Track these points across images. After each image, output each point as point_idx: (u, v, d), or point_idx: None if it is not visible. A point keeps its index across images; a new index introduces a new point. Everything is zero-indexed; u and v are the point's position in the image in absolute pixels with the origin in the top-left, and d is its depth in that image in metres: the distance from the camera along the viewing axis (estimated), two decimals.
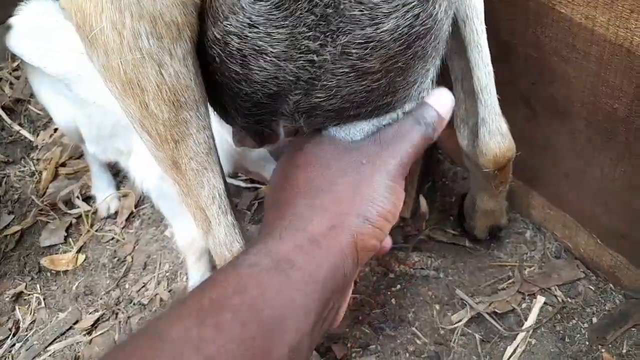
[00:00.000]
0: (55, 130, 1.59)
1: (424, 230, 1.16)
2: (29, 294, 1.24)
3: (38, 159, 1.54)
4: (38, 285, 1.25)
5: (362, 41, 0.48)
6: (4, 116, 1.64)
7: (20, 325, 1.19)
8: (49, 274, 1.27)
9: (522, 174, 1.02)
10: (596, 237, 0.95)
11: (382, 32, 0.48)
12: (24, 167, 1.52)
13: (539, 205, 1.05)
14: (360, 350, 1.02)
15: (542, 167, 0.95)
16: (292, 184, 0.53)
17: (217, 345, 0.36)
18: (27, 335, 1.17)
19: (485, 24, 0.78)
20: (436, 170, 1.26)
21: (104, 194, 1.35)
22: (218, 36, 0.49)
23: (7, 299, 1.23)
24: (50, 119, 1.62)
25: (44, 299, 1.22)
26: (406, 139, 0.54)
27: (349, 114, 0.54)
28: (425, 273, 1.10)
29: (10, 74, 1.74)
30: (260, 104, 0.54)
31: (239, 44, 0.49)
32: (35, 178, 1.48)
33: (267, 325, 0.40)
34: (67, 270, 1.27)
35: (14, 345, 1.16)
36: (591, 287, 1.01)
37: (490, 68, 0.68)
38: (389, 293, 1.09)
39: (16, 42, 1.10)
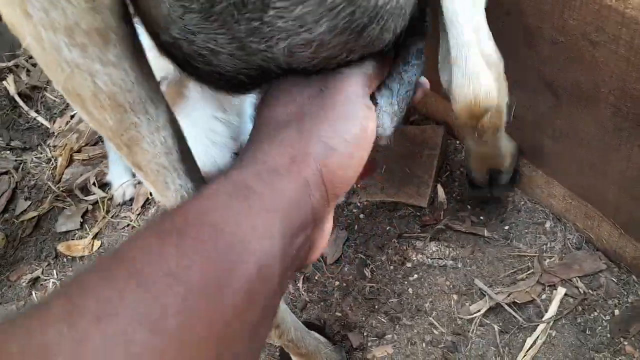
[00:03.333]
0: (72, 117, 1.60)
1: (441, 219, 1.15)
2: (46, 279, 1.25)
3: (54, 146, 1.54)
4: (54, 271, 1.26)
5: (303, 43, 0.47)
6: (21, 103, 1.64)
7: None
8: (65, 259, 1.28)
9: (543, 163, 1.00)
10: (620, 228, 0.93)
11: (319, 34, 0.47)
12: (41, 153, 1.53)
13: (559, 195, 1.03)
14: (376, 340, 1.01)
15: (565, 156, 0.93)
16: (259, 123, 0.52)
17: (178, 260, 0.35)
18: None
19: (510, 5, 0.76)
20: (454, 160, 1.24)
21: (120, 181, 1.35)
22: (170, 40, 0.49)
23: (24, 284, 1.24)
24: (66, 106, 1.63)
25: (60, 285, 1.23)
26: (370, 59, 0.52)
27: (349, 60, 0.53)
28: (443, 263, 1.09)
29: (26, 61, 1.75)
30: (243, 82, 0.53)
31: (190, 47, 0.49)
32: (52, 164, 1.49)
33: (229, 242, 0.38)
34: (83, 256, 1.27)
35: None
36: (613, 278, 0.99)
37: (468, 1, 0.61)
38: (405, 282, 1.07)
39: None
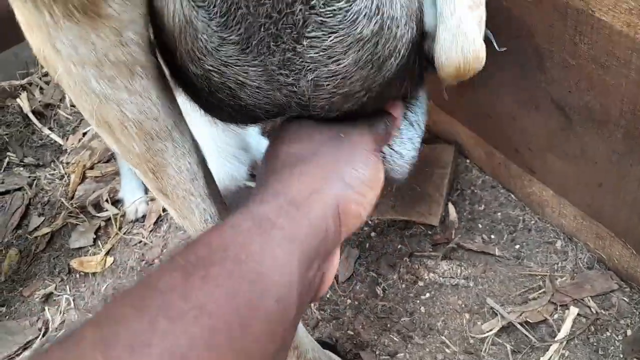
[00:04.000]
0: (84, 134, 1.62)
1: (453, 238, 1.15)
2: (59, 295, 1.26)
3: (67, 163, 1.56)
4: (67, 287, 1.27)
5: (329, 75, 0.51)
6: (34, 120, 1.67)
7: (50, 326, 1.20)
8: (78, 275, 1.29)
9: (554, 182, 1.01)
10: (631, 248, 0.94)
11: (345, 66, 0.50)
12: (54, 170, 1.55)
13: (570, 215, 1.03)
14: (388, 358, 1.01)
15: (576, 177, 0.93)
16: (276, 157, 0.55)
17: (204, 293, 0.37)
18: (56, 335, 1.19)
19: (522, 29, 0.77)
20: (464, 179, 1.25)
21: (133, 197, 1.37)
22: (199, 72, 0.51)
23: (37, 299, 1.25)
24: (79, 123, 1.65)
25: (73, 300, 1.24)
26: (380, 121, 0.60)
27: (355, 114, 0.58)
28: (454, 282, 1.09)
29: (40, 79, 1.78)
30: (258, 117, 0.56)
31: (220, 79, 0.51)
32: (65, 181, 1.51)
33: (251, 276, 0.40)
34: (95, 272, 1.28)
35: (43, 345, 1.17)
36: (625, 298, 0.99)
37: None
38: (417, 301, 1.08)
39: None
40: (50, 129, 1.66)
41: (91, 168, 1.52)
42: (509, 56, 0.74)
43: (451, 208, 1.20)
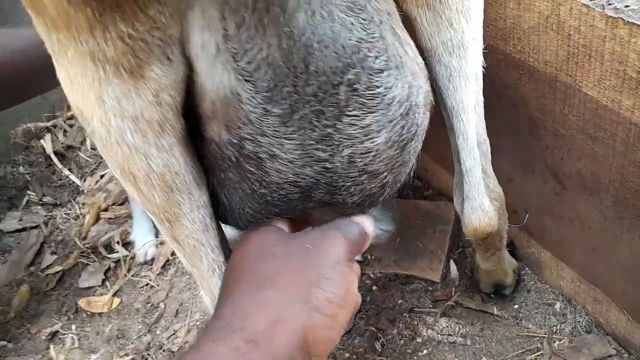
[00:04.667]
0: (102, 176, 1.68)
1: (453, 296, 1.16)
2: (64, 334, 1.28)
3: (83, 203, 1.61)
4: (73, 326, 1.29)
5: (363, 152, 0.55)
6: (56, 161, 1.74)
7: None
8: (84, 315, 1.32)
9: (551, 245, 1.03)
10: (627, 314, 0.94)
11: (377, 144, 0.55)
12: (70, 210, 1.60)
13: (568, 277, 1.05)
14: None
15: (571, 240, 0.95)
16: (238, 275, 0.51)
17: None
18: None
19: (515, 98, 0.82)
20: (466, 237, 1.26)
21: (143, 240, 1.41)
22: (234, 140, 0.54)
23: (43, 337, 1.28)
24: (97, 166, 1.72)
25: (78, 340, 1.26)
26: (352, 228, 0.55)
27: (368, 205, 0.61)
28: (452, 339, 1.10)
29: (64, 122, 1.86)
30: (274, 204, 0.58)
31: (253, 147, 0.54)
32: (79, 221, 1.55)
33: None
34: (102, 313, 1.31)
35: None
36: None
37: (475, 153, 0.73)
38: (415, 358, 1.08)
39: None
40: (69, 170, 1.73)
41: (105, 210, 1.57)
42: (506, 123, 0.79)
43: (452, 265, 1.22)
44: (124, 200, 1.57)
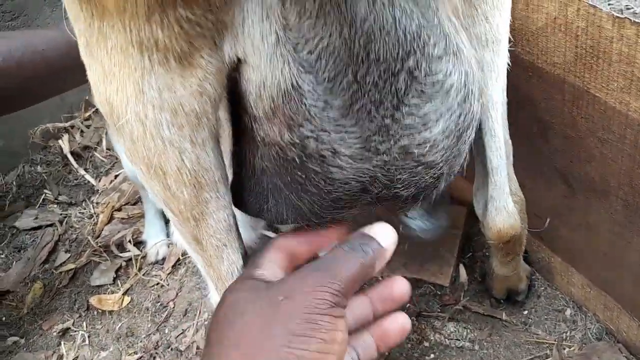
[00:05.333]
0: (116, 176, 1.70)
1: (461, 300, 1.15)
2: (75, 331, 1.30)
3: (97, 203, 1.63)
4: (84, 323, 1.31)
5: (420, 142, 0.54)
6: (72, 161, 1.76)
7: None
8: (95, 312, 1.33)
9: (561, 250, 1.02)
10: (639, 321, 0.93)
11: (435, 134, 0.54)
12: (84, 209, 1.62)
13: (578, 283, 1.03)
14: None
15: (581, 245, 0.94)
16: (217, 332, 0.49)
17: None
18: None
19: (524, 100, 0.81)
20: (477, 242, 1.26)
21: (155, 240, 1.42)
22: (297, 140, 0.52)
23: (55, 334, 1.29)
24: (112, 166, 1.74)
25: (88, 337, 1.28)
26: (340, 266, 0.49)
27: (422, 198, 0.60)
28: (460, 344, 1.09)
29: (82, 122, 1.89)
30: (339, 199, 0.57)
31: (317, 146, 0.52)
32: (93, 220, 1.57)
33: None
34: (112, 311, 1.32)
35: None
36: None
37: (502, 152, 0.72)
38: None
39: None
40: (85, 169, 1.75)
41: (119, 209, 1.59)
42: (514, 125, 0.78)
43: (462, 269, 1.21)
44: (137, 200, 1.59)
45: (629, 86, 0.65)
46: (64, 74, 0.96)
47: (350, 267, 0.49)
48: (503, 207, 0.78)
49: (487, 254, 1.23)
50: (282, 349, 0.44)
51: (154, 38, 0.46)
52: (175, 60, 0.48)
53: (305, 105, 0.50)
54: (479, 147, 0.75)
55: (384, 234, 0.54)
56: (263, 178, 0.58)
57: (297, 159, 0.53)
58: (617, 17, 0.61)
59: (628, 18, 0.60)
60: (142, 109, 0.49)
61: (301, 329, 0.45)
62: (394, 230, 0.56)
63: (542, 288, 1.13)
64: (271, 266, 0.54)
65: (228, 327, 0.48)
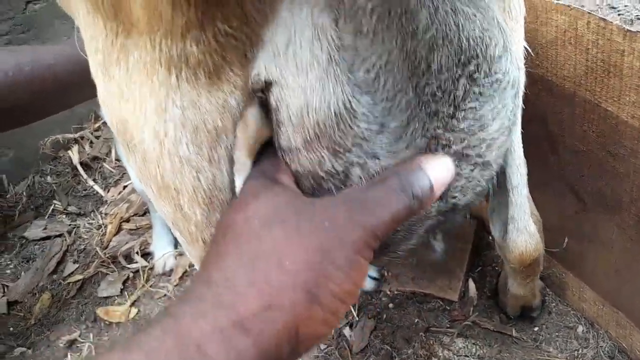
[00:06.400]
0: (124, 187, 1.70)
1: (470, 315, 1.14)
2: (82, 342, 1.29)
3: (106, 213, 1.64)
4: (91, 334, 1.31)
5: (477, 144, 0.53)
6: (81, 172, 1.77)
7: None
8: (102, 324, 1.33)
9: (573, 265, 1.00)
10: None
11: (491, 132, 0.53)
12: (93, 219, 1.63)
13: (590, 300, 1.01)
14: None
15: (592, 261, 0.92)
16: (237, 237, 0.43)
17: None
18: None
19: (534, 113, 0.80)
20: (486, 256, 1.24)
21: (162, 252, 1.42)
22: (339, 168, 0.48)
23: (62, 345, 1.29)
24: (121, 177, 1.74)
25: (95, 349, 1.27)
26: (384, 207, 0.44)
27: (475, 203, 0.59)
28: None
29: (91, 133, 1.90)
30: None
31: (361, 173, 0.48)
32: (101, 231, 1.58)
33: None
34: (119, 322, 1.32)
35: None
36: None
37: (523, 170, 0.70)
38: None
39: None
40: (94, 180, 1.76)
41: (127, 220, 1.59)
42: (524, 139, 0.77)
43: (471, 284, 1.19)
44: (145, 211, 1.59)
45: None
46: (72, 89, 0.96)
47: (397, 213, 0.44)
48: (524, 229, 0.75)
49: (496, 268, 1.22)
50: (322, 279, 0.41)
51: (185, 55, 0.44)
52: (205, 75, 0.45)
53: (358, 128, 0.46)
54: None
55: (440, 172, 0.47)
56: None
57: (333, 190, 0.49)
58: (628, 30, 0.60)
59: (639, 32, 0.59)
60: (163, 128, 0.47)
61: (343, 265, 0.41)
62: (453, 167, 0.50)
63: (554, 304, 1.11)
64: (289, 180, 0.49)
65: (265, 230, 0.42)
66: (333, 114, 0.45)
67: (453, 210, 0.57)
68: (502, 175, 0.72)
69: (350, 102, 0.45)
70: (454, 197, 0.55)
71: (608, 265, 0.89)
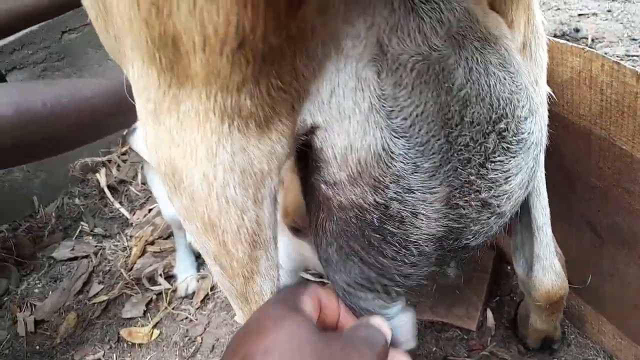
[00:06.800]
0: (150, 210, 1.75)
1: (488, 345, 1.14)
2: None
3: (131, 236, 1.68)
4: (115, 355, 1.34)
5: (498, 195, 0.57)
6: (108, 194, 1.82)
7: None
8: (125, 345, 1.36)
9: (591, 299, 1.00)
10: None
11: (513, 186, 0.58)
12: (118, 242, 1.67)
13: (609, 333, 1.01)
14: None
15: (611, 295, 0.93)
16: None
17: None
18: None
19: (551, 150, 0.82)
20: (505, 285, 1.25)
21: (185, 275, 1.45)
22: (380, 201, 0.53)
23: None
24: (146, 200, 1.79)
25: None
26: (377, 347, 0.50)
27: (482, 246, 0.63)
28: None
29: (119, 157, 1.96)
30: (413, 262, 0.58)
31: (399, 206, 0.54)
32: (126, 253, 1.62)
33: None
34: (142, 344, 1.35)
35: None
36: None
37: (547, 210, 0.73)
38: None
39: (138, 144, 1.25)
40: (120, 203, 1.81)
41: (152, 243, 1.63)
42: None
43: (489, 314, 1.20)
44: (169, 234, 1.63)
45: None
46: (107, 121, 0.99)
47: (381, 351, 0.51)
48: (550, 267, 0.77)
49: (514, 298, 1.22)
50: None
51: (239, 106, 0.47)
52: (256, 125, 0.48)
53: (395, 167, 0.52)
54: (521, 205, 0.75)
55: (385, 326, 0.54)
56: (331, 240, 0.58)
57: (375, 222, 0.54)
58: None
59: None
60: (212, 171, 0.50)
61: None
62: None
63: (573, 336, 1.11)
64: (310, 310, 0.53)
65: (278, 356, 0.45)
66: (373, 153, 0.51)
67: (464, 249, 0.60)
68: (527, 216, 0.75)
69: (387, 144, 0.51)
70: (467, 240, 0.58)
71: (626, 299, 0.89)
